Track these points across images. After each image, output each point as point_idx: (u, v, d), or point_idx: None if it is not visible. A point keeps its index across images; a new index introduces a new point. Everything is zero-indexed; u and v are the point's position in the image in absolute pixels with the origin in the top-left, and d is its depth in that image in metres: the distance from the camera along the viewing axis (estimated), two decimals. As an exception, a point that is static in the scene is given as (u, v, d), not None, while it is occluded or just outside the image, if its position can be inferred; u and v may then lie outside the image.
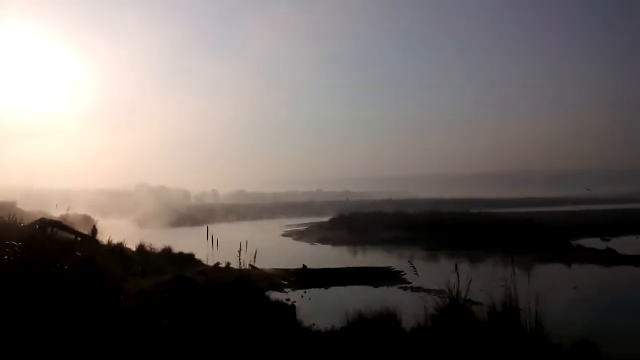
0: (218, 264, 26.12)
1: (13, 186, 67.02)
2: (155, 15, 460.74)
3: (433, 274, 15.96)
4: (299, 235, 66.85)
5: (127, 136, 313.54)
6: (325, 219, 77.61)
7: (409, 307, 11.67)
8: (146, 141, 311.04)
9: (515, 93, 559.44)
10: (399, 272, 29.39)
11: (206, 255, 26.02)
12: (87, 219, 40.01)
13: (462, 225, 52.88)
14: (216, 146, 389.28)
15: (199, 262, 27.46)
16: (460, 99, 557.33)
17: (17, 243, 11.98)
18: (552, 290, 20.45)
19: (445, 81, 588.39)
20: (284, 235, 67.97)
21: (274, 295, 21.32)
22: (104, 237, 26.57)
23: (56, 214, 30.65)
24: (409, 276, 26.51)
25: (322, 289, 26.39)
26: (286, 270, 29.58)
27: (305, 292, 24.84)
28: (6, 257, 11.01)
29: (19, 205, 39.95)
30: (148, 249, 27.10)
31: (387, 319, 11.12)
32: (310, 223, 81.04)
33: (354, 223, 66.04)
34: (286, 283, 27.41)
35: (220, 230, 39.71)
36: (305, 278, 28.31)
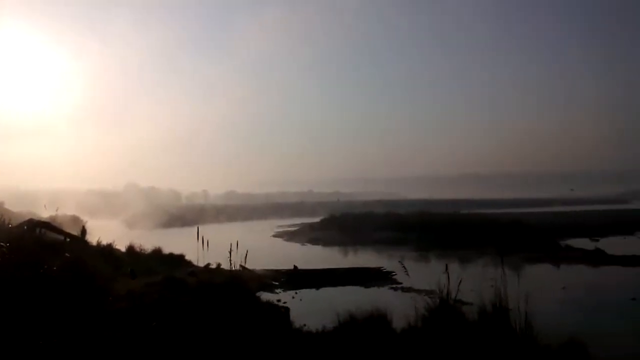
0: (208, 264, 26.04)
1: (0, 186, 66.43)
2: (145, 16, 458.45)
3: (423, 274, 16.03)
4: (289, 235, 66.78)
5: (116, 136, 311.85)
6: (316, 220, 77.58)
7: (399, 307, 11.70)
8: (136, 141, 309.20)
9: (505, 94, 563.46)
10: (389, 273, 29.48)
11: (196, 256, 25.94)
12: (75, 220, 39.60)
13: (452, 226, 53.08)
14: (207, 146, 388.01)
15: (189, 263, 27.33)
16: (450, 99, 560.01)
17: (5, 244, 11.86)
18: (541, 290, 20.57)
19: (435, 82, 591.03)
20: (274, 236, 67.87)
21: (265, 296, 21.29)
22: (93, 238, 26.32)
23: (44, 214, 30.32)
24: (399, 276, 26.58)
25: (313, 290, 26.40)
26: (277, 271, 29.54)
27: (296, 293, 24.84)
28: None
29: (7, 206, 39.44)
30: (138, 249, 26.92)
31: (378, 319, 11.14)
32: (301, 223, 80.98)
33: (344, 223, 66.09)
34: (277, 284, 27.38)
35: (210, 230, 39.57)
36: (296, 278, 28.30)
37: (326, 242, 55.26)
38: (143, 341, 9.15)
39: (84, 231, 27.35)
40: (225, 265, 22.56)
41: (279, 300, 21.57)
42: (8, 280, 9.97)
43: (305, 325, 13.50)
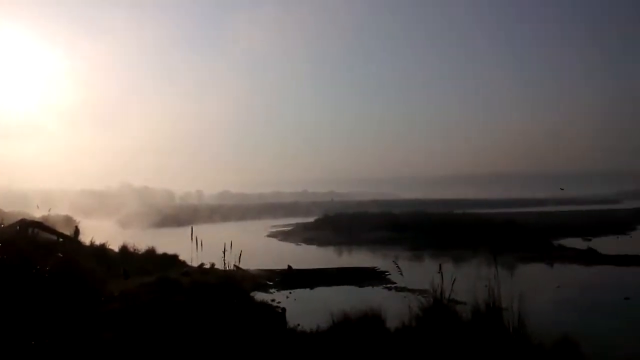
0: (202, 264, 25.97)
1: (-7, 186, 65.93)
2: (139, 15, 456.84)
3: (417, 273, 16.08)
4: (284, 235, 66.76)
5: (110, 136, 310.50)
6: (310, 219, 77.65)
7: (393, 306, 11.73)
8: (129, 141, 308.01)
9: (498, 95, 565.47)
10: (383, 272, 29.54)
11: (190, 256, 25.86)
12: (68, 220, 39.37)
13: (446, 226, 53.26)
14: (201, 146, 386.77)
15: (183, 263, 27.26)
16: (444, 100, 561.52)
17: (-3, 244, 11.79)
18: (535, 289, 20.70)
19: (429, 83, 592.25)
20: (268, 236, 67.83)
21: (259, 296, 21.26)
22: (86, 238, 26.22)
23: (37, 214, 30.24)
24: (393, 276, 26.64)
25: (307, 289, 26.40)
26: (271, 271, 29.54)
27: (290, 293, 24.83)
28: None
29: (-1, 206, 39.28)
30: (131, 249, 26.80)
31: (372, 319, 11.16)
32: (295, 223, 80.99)
33: (338, 223, 66.17)
34: (271, 283, 27.36)
35: (204, 230, 39.50)
36: (290, 278, 28.30)
37: (320, 242, 55.29)
38: (136, 342, 9.11)
39: (77, 231, 27.22)
40: (219, 266, 22.50)
41: (273, 300, 21.56)
42: (0, 280, 9.91)
43: (299, 325, 13.51)
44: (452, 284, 10.19)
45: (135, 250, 26.98)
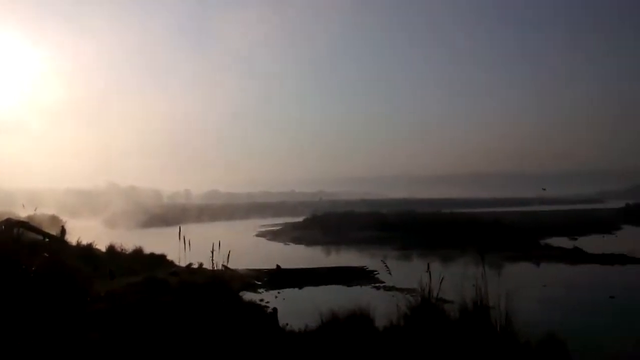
0: (190, 264, 25.80)
1: (-23, 186, 65.04)
2: (124, 14, 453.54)
3: (406, 273, 16.14)
4: (272, 235, 66.68)
5: (96, 134, 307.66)
6: (299, 219, 77.63)
7: (381, 305, 11.74)
8: (116, 140, 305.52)
9: (483, 97, 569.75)
10: (372, 272, 29.61)
11: (178, 256, 25.68)
12: (55, 219, 38.99)
13: (434, 225, 53.57)
14: (188, 146, 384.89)
15: (171, 263, 27.05)
16: (431, 101, 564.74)
17: (-19, 244, 11.62)
18: (522, 288, 20.80)
19: (416, 83, 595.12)
20: (257, 235, 67.70)
21: (248, 296, 21.23)
22: (72, 238, 25.98)
23: (23, 214, 29.80)
24: (382, 275, 26.73)
25: (296, 289, 26.39)
26: (259, 271, 29.48)
27: (279, 292, 24.81)
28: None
29: (-17, 205, 38.77)
30: (118, 249, 26.61)
31: (360, 318, 11.16)
32: (284, 223, 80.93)
33: (327, 223, 66.24)
34: (259, 283, 27.32)
35: (192, 230, 39.25)
36: (278, 278, 28.26)
37: (309, 242, 55.29)
38: (122, 342, 9.04)
39: (63, 231, 26.96)
40: (207, 265, 22.36)
41: (261, 300, 21.54)
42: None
43: (288, 324, 13.50)
44: (440, 283, 10.23)
45: (122, 250, 26.79)
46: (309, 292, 25.72)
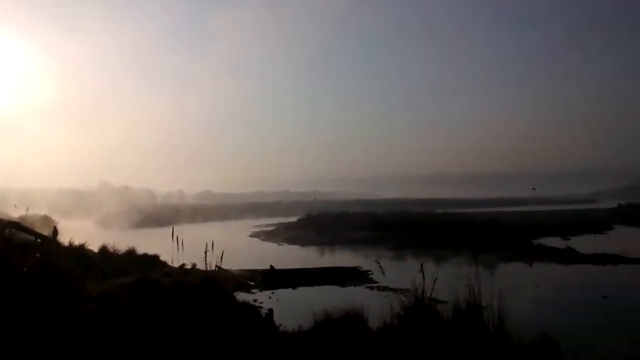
0: (184, 265, 25.72)
1: (-32, 186, 64.54)
2: (118, 14, 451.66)
3: (399, 273, 16.12)
4: (266, 235, 66.57)
5: (88, 134, 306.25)
6: (293, 219, 77.54)
7: (375, 306, 11.74)
8: (109, 140, 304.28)
9: (477, 96, 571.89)
10: (366, 272, 29.62)
11: (171, 256, 25.58)
12: (47, 220, 38.73)
13: (427, 225, 53.66)
14: (182, 146, 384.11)
15: (164, 264, 26.98)
16: (425, 101, 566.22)
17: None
18: (515, 288, 20.89)
19: (411, 83, 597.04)
20: (251, 236, 67.57)
21: (241, 296, 21.15)
22: (64, 238, 25.82)
23: (15, 214, 29.59)
24: (375, 275, 26.73)
25: (290, 289, 26.35)
26: (253, 271, 29.42)
27: (273, 293, 24.77)
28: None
29: (-25, 206, 38.44)
30: (111, 250, 26.50)
31: (354, 318, 11.15)
32: (278, 223, 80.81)
33: (321, 223, 66.21)
34: (253, 284, 27.27)
35: (186, 230, 39.13)
36: (272, 278, 28.21)
37: (303, 242, 55.24)
38: (114, 343, 8.98)
39: (55, 231, 26.82)
40: (200, 266, 22.27)
41: (255, 301, 21.48)
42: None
43: (281, 325, 13.47)
44: (434, 283, 10.26)
45: (115, 250, 26.68)
46: (303, 292, 25.69)
